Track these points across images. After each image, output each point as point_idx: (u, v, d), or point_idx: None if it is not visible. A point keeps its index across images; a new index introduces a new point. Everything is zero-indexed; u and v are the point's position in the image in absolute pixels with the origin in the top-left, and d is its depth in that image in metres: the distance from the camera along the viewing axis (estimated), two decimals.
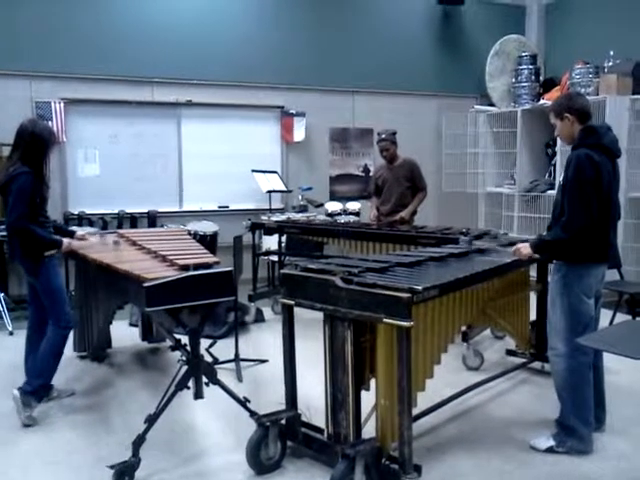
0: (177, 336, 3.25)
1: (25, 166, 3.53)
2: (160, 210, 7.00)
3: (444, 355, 3.13)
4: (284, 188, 7.16)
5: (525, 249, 3.21)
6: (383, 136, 5.59)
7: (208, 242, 5.83)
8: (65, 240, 3.77)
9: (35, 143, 3.57)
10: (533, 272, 4.24)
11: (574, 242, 2.99)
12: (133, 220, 6.86)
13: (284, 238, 5.97)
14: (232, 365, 4.27)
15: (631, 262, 6.09)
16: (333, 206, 7.24)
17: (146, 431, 2.92)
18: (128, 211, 6.84)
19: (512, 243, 3.68)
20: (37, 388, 3.58)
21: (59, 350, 3.69)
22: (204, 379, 3.11)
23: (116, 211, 6.80)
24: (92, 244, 4.04)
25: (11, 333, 5.22)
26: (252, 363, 4.45)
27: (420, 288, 2.60)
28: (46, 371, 3.64)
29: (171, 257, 3.34)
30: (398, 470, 2.64)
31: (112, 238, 4.18)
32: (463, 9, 8.30)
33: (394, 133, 5.61)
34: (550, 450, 3.11)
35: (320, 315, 2.88)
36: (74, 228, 4.57)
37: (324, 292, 2.80)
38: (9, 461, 3.11)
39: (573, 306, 3.07)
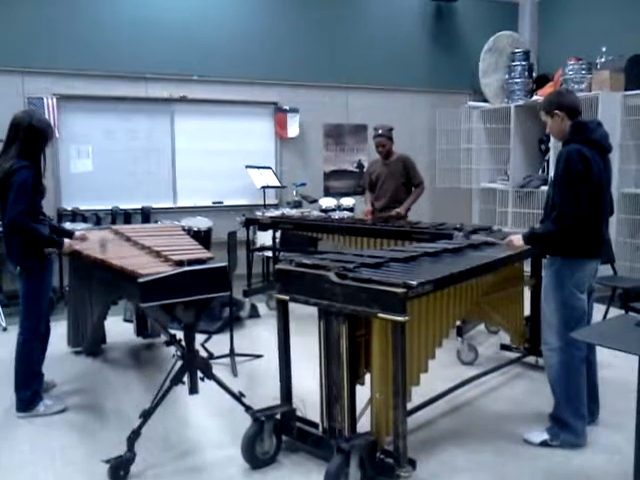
0: (172, 331, 3.26)
1: (24, 160, 3.35)
2: (154, 206, 6.97)
3: (439, 350, 3.14)
4: (278, 184, 7.15)
5: (517, 241, 3.26)
6: (380, 132, 5.56)
7: (202, 238, 5.83)
8: (66, 241, 3.61)
9: (34, 136, 3.39)
10: (527, 267, 4.26)
11: (564, 236, 3.02)
12: (127, 216, 6.83)
13: (278, 234, 5.97)
14: (227, 360, 4.28)
15: (624, 257, 6.13)
16: (327, 202, 7.25)
17: (141, 426, 2.93)
18: (122, 207, 6.81)
19: (505, 237, 3.69)
20: (30, 397, 3.51)
21: (35, 356, 3.57)
22: (199, 374, 3.10)
23: (110, 207, 6.77)
24: (93, 242, 3.86)
25: (5, 329, 5.21)
26: (247, 358, 4.46)
27: (415, 283, 2.61)
28: (31, 379, 3.53)
29: (165, 253, 3.34)
30: (393, 464, 2.65)
31: (99, 237, 3.99)
32: (456, 5, 8.31)
33: (391, 129, 5.59)
34: (544, 444, 3.13)
35: (315, 310, 2.88)
36: (67, 225, 4.49)
37: (319, 287, 2.80)
38: (3, 456, 3.10)
39: (566, 300, 3.09)
